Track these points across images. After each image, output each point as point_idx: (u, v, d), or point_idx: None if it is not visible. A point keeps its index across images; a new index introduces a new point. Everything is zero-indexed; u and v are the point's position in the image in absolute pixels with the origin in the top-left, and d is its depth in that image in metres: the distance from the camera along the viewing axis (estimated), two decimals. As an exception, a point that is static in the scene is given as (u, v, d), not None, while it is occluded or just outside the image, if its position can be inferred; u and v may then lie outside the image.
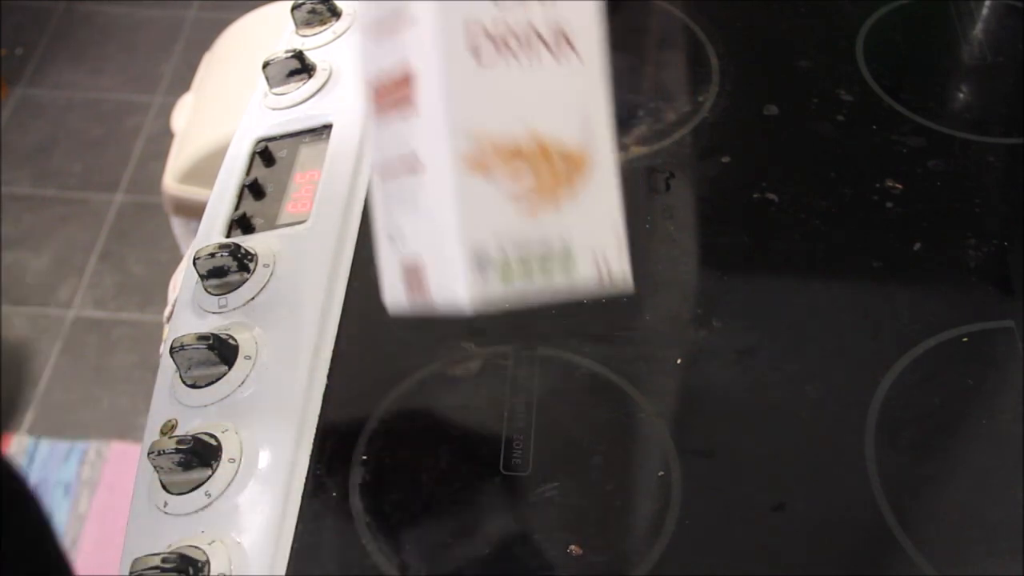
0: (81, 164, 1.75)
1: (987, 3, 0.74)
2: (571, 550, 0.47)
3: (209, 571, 0.44)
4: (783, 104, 0.66)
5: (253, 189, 0.60)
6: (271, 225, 0.58)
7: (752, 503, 0.48)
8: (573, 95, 0.38)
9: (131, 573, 0.43)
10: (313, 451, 0.49)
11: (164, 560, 0.43)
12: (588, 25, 0.38)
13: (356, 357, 0.53)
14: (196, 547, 0.45)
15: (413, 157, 0.37)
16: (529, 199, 0.37)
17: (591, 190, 0.38)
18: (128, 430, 1.41)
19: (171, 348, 0.50)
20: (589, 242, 0.38)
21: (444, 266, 0.37)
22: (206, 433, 0.48)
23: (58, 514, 1.31)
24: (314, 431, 0.50)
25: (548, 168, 0.37)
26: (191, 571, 0.43)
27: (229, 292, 0.54)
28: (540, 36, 0.37)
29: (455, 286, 0.36)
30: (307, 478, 0.48)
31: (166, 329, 0.58)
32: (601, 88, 0.39)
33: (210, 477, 0.47)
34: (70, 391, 1.46)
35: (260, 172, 0.61)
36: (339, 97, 0.64)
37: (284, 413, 0.50)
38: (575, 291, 0.38)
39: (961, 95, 0.69)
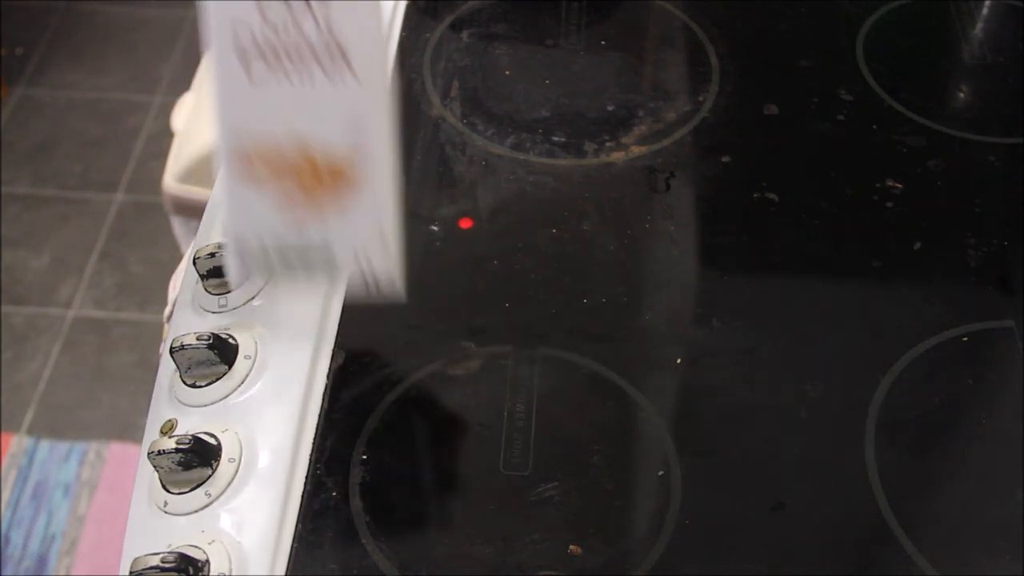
0: (81, 164, 1.75)
1: (987, 3, 0.74)
2: (571, 550, 0.47)
3: (209, 571, 0.44)
4: (783, 104, 0.66)
5: (253, 189, 0.60)
6: (271, 225, 0.58)
7: (752, 503, 0.48)
8: (344, 110, 0.39)
9: (131, 573, 0.43)
10: (313, 451, 0.49)
11: (164, 560, 0.43)
12: (367, 38, 0.39)
13: (356, 356, 0.53)
14: (196, 547, 0.45)
15: None
16: (293, 204, 0.39)
17: (360, 202, 0.40)
18: (128, 430, 1.41)
19: (171, 348, 0.50)
20: (351, 242, 0.40)
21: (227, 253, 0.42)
22: (206, 433, 0.48)
23: (57, 515, 1.31)
24: (314, 431, 0.50)
25: (312, 177, 0.39)
26: (191, 571, 0.43)
27: (229, 292, 0.54)
28: (314, 52, 0.38)
29: (230, 273, 0.43)
30: (307, 478, 0.48)
31: (166, 329, 0.58)
32: (380, 102, 0.39)
33: (210, 477, 0.47)
34: (70, 391, 1.46)
35: (260, 172, 0.61)
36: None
37: (284, 413, 0.50)
38: (339, 285, 0.41)
39: (961, 95, 0.69)
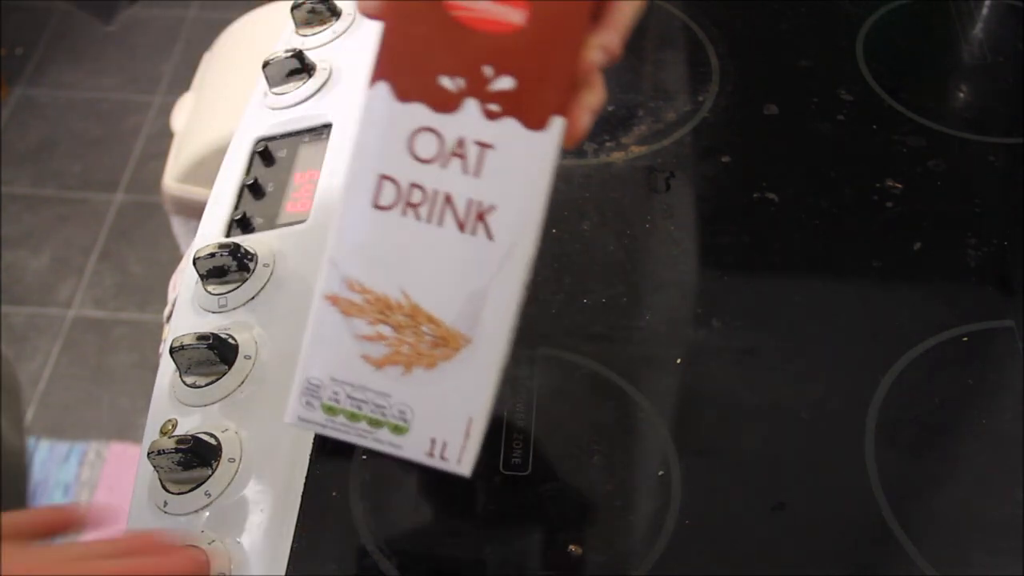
0: (81, 164, 1.75)
1: (987, 3, 0.74)
2: (571, 550, 0.47)
3: (209, 571, 0.44)
4: (783, 104, 0.66)
5: (253, 189, 0.60)
6: (271, 225, 0.58)
7: (752, 503, 0.48)
8: (469, 275, 0.36)
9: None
10: (313, 451, 0.49)
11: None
12: (518, 206, 0.35)
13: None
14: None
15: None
16: (383, 354, 0.36)
17: (455, 374, 0.36)
18: (128, 430, 1.41)
19: (171, 348, 0.50)
20: (431, 425, 0.37)
21: (293, 386, 0.38)
22: (206, 433, 0.48)
23: (58, 514, 1.31)
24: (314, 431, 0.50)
25: (413, 333, 0.36)
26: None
27: (229, 292, 0.54)
28: (451, 202, 0.35)
29: (289, 406, 0.38)
30: (307, 478, 0.48)
31: (166, 329, 0.58)
32: (513, 280, 0.36)
33: (210, 477, 0.47)
34: (70, 391, 1.46)
35: (260, 172, 0.61)
36: (339, 97, 0.64)
37: (285, 410, 0.50)
38: (402, 455, 0.37)
39: (961, 95, 0.69)
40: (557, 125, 0.35)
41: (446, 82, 0.34)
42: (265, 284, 0.54)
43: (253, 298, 0.54)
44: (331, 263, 0.36)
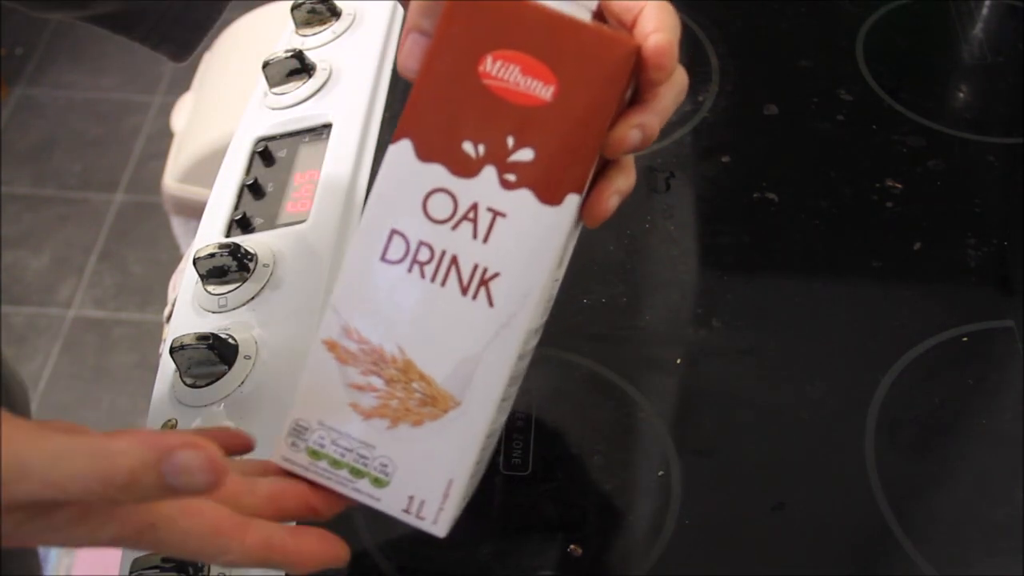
0: (81, 164, 1.75)
1: (987, 3, 0.74)
2: (571, 550, 0.47)
3: (209, 571, 0.44)
4: (783, 104, 0.66)
5: (253, 189, 0.60)
6: (271, 225, 0.58)
7: (752, 503, 0.48)
8: (464, 340, 0.36)
9: (131, 573, 0.43)
10: (313, 451, 0.49)
11: (164, 560, 0.43)
12: (521, 287, 0.35)
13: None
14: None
15: None
16: (371, 406, 0.36)
17: (441, 434, 0.36)
18: (128, 430, 1.41)
19: (171, 348, 0.50)
20: (411, 482, 0.37)
21: (283, 425, 0.38)
22: (206, 433, 0.48)
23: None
24: (314, 431, 0.50)
25: (403, 388, 0.36)
26: (191, 571, 0.43)
27: (229, 292, 0.54)
28: (456, 264, 0.35)
29: (276, 443, 0.38)
30: (307, 478, 0.48)
31: (166, 329, 0.58)
32: (509, 346, 0.36)
33: (210, 477, 0.47)
34: (70, 391, 1.46)
35: (260, 172, 0.61)
36: (339, 96, 0.64)
37: (284, 413, 0.50)
38: (379, 508, 0.37)
39: (961, 95, 0.69)
40: (572, 202, 0.35)
41: (468, 147, 0.35)
42: (265, 284, 0.54)
43: (253, 298, 0.54)
44: (333, 309, 0.37)
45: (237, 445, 0.38)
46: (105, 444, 0.28)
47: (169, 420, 0.50)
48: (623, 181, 0.37)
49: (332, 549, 0.35)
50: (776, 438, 0.51)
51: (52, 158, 1.76)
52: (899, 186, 0.61)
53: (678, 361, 0.54)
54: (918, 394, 0.52)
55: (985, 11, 0.74)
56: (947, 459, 0.51)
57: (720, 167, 0.63)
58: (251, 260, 0.54)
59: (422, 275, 0.36)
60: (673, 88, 0.37)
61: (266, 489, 0.36)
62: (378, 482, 0.37)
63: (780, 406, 0.52)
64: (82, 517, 0.30)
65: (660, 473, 0.49)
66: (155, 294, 1.56)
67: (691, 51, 0.69)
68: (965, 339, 0.54)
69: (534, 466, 0.49)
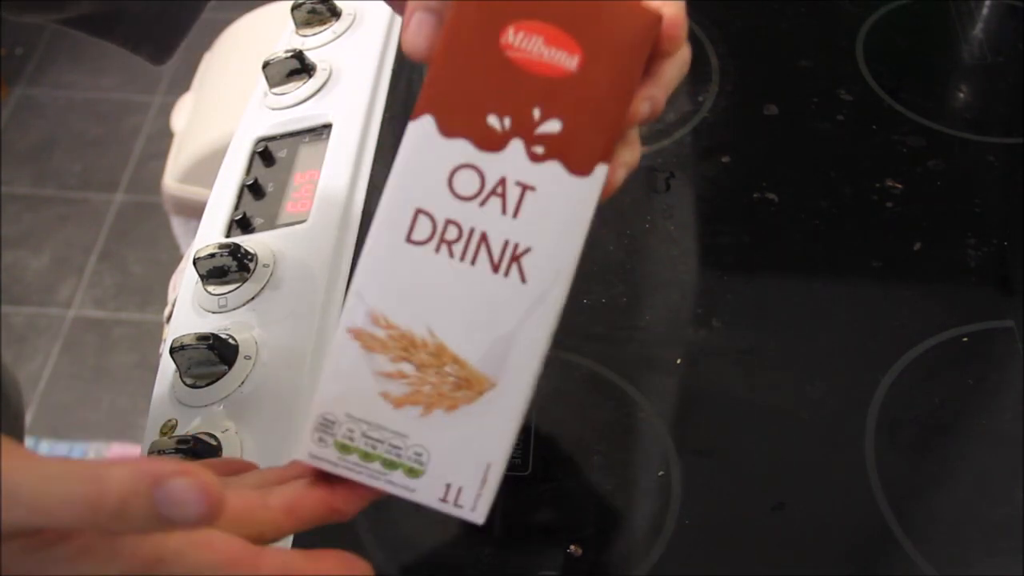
0: (81, 164, 1.75)
1: (987, 3, 0.74)
2: (571, 550, 0.47)
3: None
4: (783, 104, 0.66)
5: (253, 189, 0.60)
6: (271, 225, 0.58)
7: (752, 503, 0.48)
8: (498, 318, 0.35)
9: None
10: (313, 451, 0.49)
11: None
12: (554, 261, 0.35)
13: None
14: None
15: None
16: (402, 393, 0.35)
17: (477, 418, 0.35)
18: (128, 430, 1.41)
19: (171, 348, 0.50)
20: (447, 470, 0.36)
21: (307, 421, 0.36)
22: (206, 433, 0.48)
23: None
24: (314, 431, 0.50)
25: (436, 373, 0.35)
26: None
27: (229, 292, 0.54)
28: (486, 241, 0.34)
29: (301, 442, 0.36)
30: (307, 478, 0.48)
31: (166, 329, 0.58)
32: (544, 323, 0.35)
33: (210, 477, 0.47)
34: (70, 391, 1.46)
35: (260, 172, 0.61)
36: (339, 97, 0.64)
37: (284, 413, 0.50)
38: (414, 499, 0.36)
39: (961, 95, 0.69)
40: (601, 172, 0.35)
41: (493, 121, 0.34)
42: (265, 284, 0.54)
43: (253, 298, 0.54)
44: (357, 295, 0.35)
45: (242, 471, 0.38)
46: (95, 470, 0.27)
47: (169, 420, 0.50)
48: (629, 154, 0.37)
49: (353, 570, 0.34)
50: (776, 438, 0.51)
51: (52, 158, 1.76)
52: (899, 186, 0.61)
53: (678, 361, 0.54)
54: (918, 394, 0.52)
55: (985, 11, 0.74)
56: (947, 459, 0.51)
57: (720, 167, 0.63)
58: (251, 260, 0.54)
59: (451, 254, 0.35)
60: (677, 61, 0.37)
61: (281, 500, 0.35)
62: (412, 472, 0.36)
63: (780, 406, 0.52)
64: (85, 552, 0.29)
65: (660, 473, 0.49)
66: (155, 294, 1.57)
67: (691, 51, 0.69)
68: (965, 339, 0.54)
69: (534, 466, 0.49)
